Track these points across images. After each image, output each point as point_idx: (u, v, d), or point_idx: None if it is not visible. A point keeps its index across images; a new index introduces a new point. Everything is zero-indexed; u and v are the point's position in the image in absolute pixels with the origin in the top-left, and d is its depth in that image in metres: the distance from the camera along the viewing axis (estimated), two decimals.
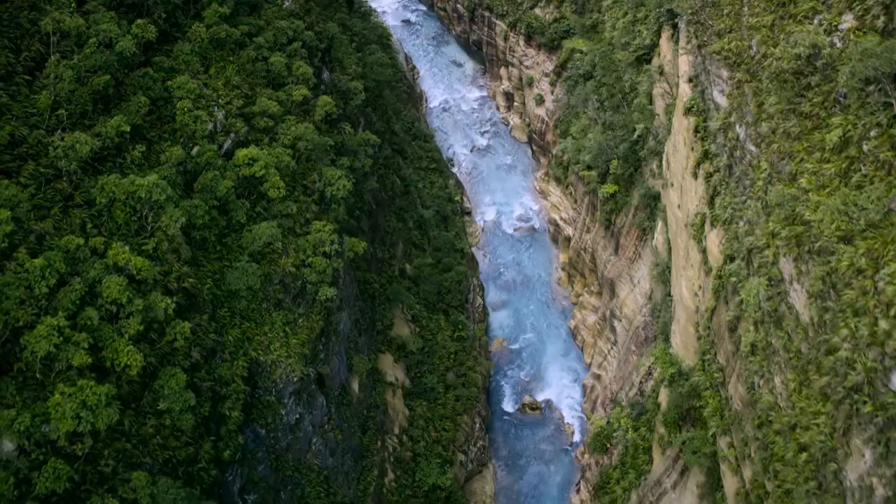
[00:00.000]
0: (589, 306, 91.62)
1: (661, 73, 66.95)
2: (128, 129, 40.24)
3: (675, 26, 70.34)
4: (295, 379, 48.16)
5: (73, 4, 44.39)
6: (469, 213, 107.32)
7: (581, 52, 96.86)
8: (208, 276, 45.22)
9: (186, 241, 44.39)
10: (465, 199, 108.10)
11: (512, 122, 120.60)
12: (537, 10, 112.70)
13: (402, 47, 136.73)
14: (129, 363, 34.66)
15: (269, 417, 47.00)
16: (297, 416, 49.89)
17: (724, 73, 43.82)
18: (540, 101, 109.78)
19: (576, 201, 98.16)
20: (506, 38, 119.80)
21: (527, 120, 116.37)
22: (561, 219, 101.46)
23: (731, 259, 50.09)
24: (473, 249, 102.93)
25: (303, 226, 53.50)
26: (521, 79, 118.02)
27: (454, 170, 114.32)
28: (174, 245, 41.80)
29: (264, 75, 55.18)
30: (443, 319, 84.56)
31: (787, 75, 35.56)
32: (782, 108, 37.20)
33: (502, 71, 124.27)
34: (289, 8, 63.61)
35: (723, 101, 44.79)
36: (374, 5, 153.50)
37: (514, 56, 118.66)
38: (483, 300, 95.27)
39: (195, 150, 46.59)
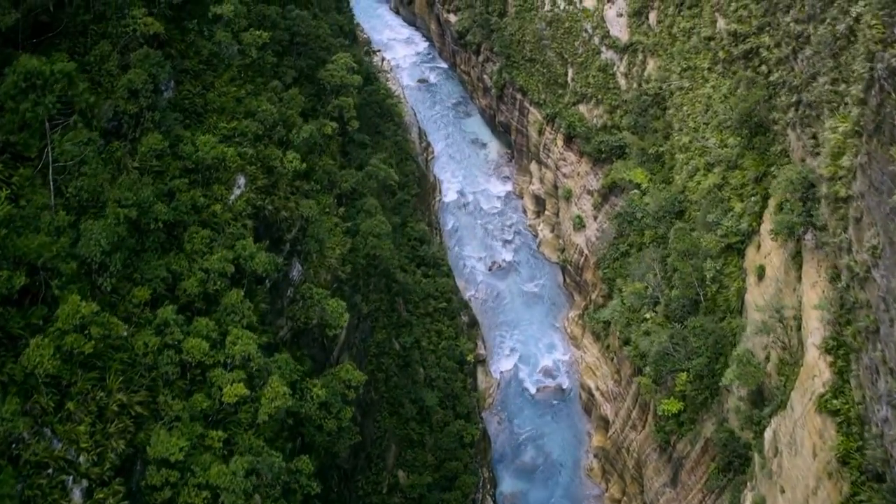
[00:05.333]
0: None
1: (779, 319, 45.98)
2: None
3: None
4: None
5: None
6: (483, 362, 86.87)
7: (639, 188, 75.57)
8: None
9: None
10: (479, 342, 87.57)
11: (541, 235, 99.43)
12: (581, 108, 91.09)
13: (416, 118, 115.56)
14: None
15: None
16: None
17: None
18: (579, 224, 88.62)
19: (618, 373, 77.39)
20: (540, 132, 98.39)
21: (560, 242, 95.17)
22: (597, 388, 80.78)
23: None
24: (486, 414, 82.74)
25: None
26: (555, 185, 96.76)
27: (469, 293, 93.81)
28: None
29: (175, 370, 34.72)
30: None
31: None
32: None
33: (533, 167, 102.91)
34: (236, 205, 42.76)
35: None
36: (388, 55, 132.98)
37: (548, 156, 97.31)
38: (494, 499, 75.20)
39: None
